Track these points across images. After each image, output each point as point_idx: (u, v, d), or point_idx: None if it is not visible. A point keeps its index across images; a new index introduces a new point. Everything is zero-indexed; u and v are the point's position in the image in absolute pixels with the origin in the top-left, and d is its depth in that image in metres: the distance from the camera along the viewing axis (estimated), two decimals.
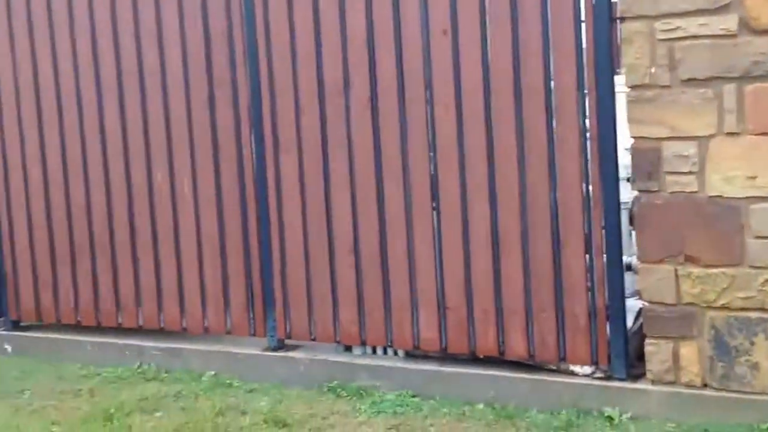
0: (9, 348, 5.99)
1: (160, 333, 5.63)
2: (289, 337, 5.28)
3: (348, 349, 5.18)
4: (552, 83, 4.41)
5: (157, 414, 4.81)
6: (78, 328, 5.88)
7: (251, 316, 5.32)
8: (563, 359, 4.49)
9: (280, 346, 5.28)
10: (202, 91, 5.31)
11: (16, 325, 6.07)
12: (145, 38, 5.42)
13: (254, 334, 5.33)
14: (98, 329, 5.81)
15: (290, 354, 5.22)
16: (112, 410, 4.81)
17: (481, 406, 4.57)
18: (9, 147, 5.90)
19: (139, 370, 5.49)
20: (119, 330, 5.74)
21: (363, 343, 5.09)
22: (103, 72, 5.57)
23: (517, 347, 4.59)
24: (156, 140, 5.48)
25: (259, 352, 5.29)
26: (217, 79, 5.27)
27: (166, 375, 5.40)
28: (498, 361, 4.68)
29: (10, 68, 5.83)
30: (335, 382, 5.00)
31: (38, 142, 5.81)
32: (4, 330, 6.06)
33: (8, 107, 5.87)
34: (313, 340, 5.19)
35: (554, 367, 4.53)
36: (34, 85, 5.78)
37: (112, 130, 5.59)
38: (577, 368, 4.46)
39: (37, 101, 5.78)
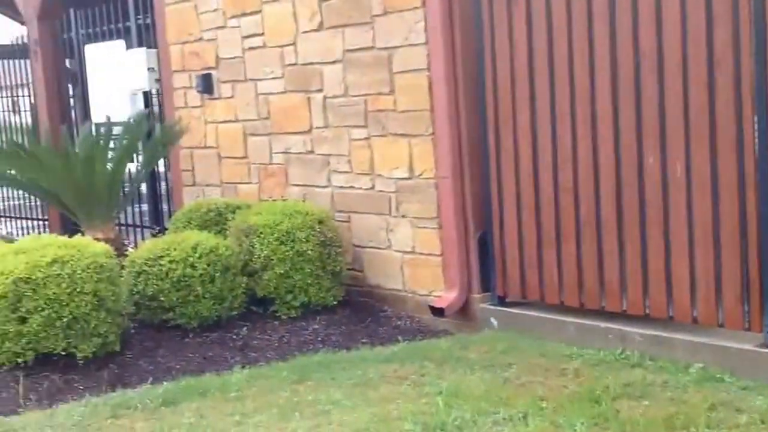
0: (495, 322, 5.75)
1: (644, 319, 5.06)
2: None
3: None
4: None
5: (644, 402, 4.25)
6: (559, 308, 5.49)
7: (746, 309, 4.57)
8: None
9: None
10: (700, 72, 4.64)
11: (501, 301, 5.81)
12: (643, 20, 4.87)
13: (748, 329, 4.58)
14: (579, 311, 5.37)
15: None
16: (598, 392, 4.35)
17: None
18: (503, 130, 5.63)
19: (622, 356, 4.95)
20: (601, 313, 5.25)
21: None
22: (597, 54, 5.09)
23: None
24: (648, 123, 4.90)
25: (754, 348, 4.52)
26: (717, 59, 4.57)
27: (650, 363, 4.81)
28: None
29: (508, 53, 5.55)
30: None
31: (529, 125, 5.48)
32: (491, 305, 5.83)
33: (503, 91, 5.60)
34: None
35: None
36: (528, 70, 5.45)
37: (604, 112, 5.10)
38: None
39: (531, 83, 5.44)
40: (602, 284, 5.19)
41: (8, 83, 11.16)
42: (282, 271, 6.04)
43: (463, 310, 5.89)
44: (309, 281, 6.10)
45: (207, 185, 7.78)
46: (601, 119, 5.11)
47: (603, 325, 5.16)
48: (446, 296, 5.90)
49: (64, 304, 5.21)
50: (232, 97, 7.38)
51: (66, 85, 9.68)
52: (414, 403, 4.43)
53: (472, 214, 5.86)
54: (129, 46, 8.47)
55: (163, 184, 8.84)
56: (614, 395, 4.33)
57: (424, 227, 6.05)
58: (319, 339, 5.85)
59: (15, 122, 11.43)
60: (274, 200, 6.94)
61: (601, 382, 4.51)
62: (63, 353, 5.24)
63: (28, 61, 10.32)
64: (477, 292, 5.90)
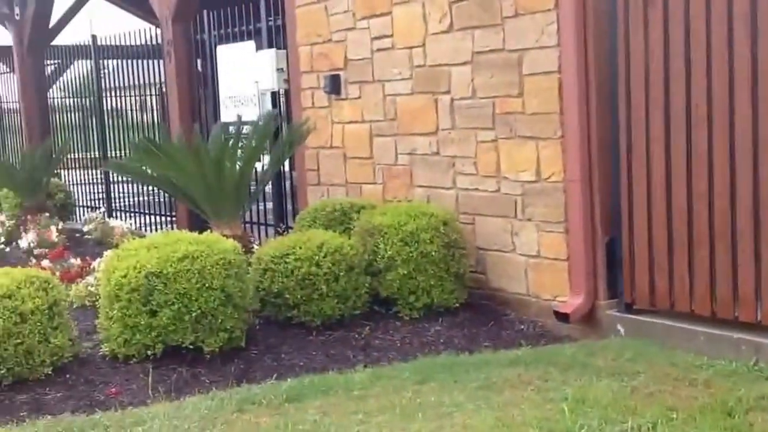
0: (622, 329, 5.66)
1: None
2: None
3: None
4: None
5: None
6: (689, 317, 5.36)
7: None
8: None
9: None
10: None
11: (629, 308, 5.71)
12: None
13: None
14: (710, 320, 5.24)
15: None
16: (731, 404, 4.24)
17: None
18: (635, 133, 5.55)
19: (755, 368, 4.81)
20: (734, 323, 5.12)
21: None
22: (736, 57, 4.97)
23: None
24: None
25: None
26: None
27: None
28: None
29: (642, 55, 5.47)
30: None
31: (662, 129, 5.38)
32: (617, 311, 5.75)
33: (636, 94, 5.51)
34: None
35: None
36: (663, 73, 5.36)
37: (742, 117, 4.97)
38: None
39: (665, 86, 5.34)
40: (736, 293, 5.06)
41: (137, 82, 11.57)
42: (405, 272, 6.10)
43: (589, 317, 5.83)
44: (432, 282, 6.14)
45: (331, 185, 7.90)
46: (739, 124, 4.98)
47: (735, 335, 5.03)
48: (572, 302, 5.85)
49: (194, 298, 5.36)
50: (359, 97, 7.48)
51: (196, 85, 9.97)
52: (538, 409, 4.41)
53: (600, 219, 5.80)
54: (259, 47, 8.68)
55: (287, 182, 9.01)
56: (747, 408, 4.22)
57: (551, 231, 6.01)
58: (441, 341, 5.87)
59: (143, 121, 11.86)
60: (399, 201, 7.01)
61: (733, 394, 4.39)
62: (191, 347, 5.40)
63: (155, 61, 10.70)
64: (603, 299, 5.82)
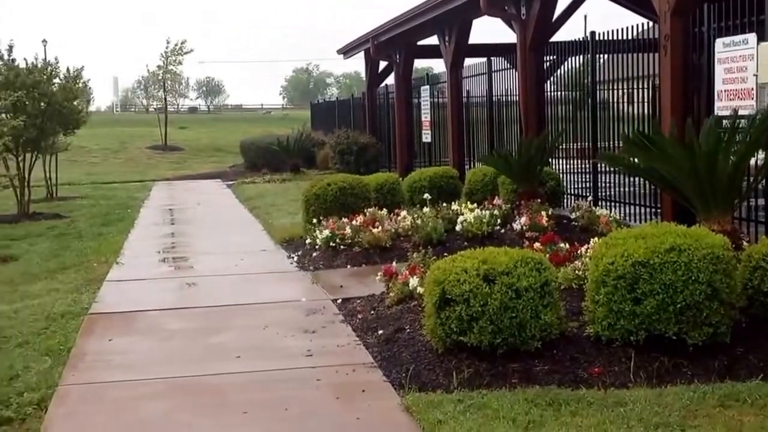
0: None
1: None
2: None
3: None
4: None
5: None
6: None
7: None
8: None
9: None
10: None
11: None
12: None
13: None
14: None
15: None
16: None
17: None
18: None
19: None
20: None
21: None
22: None
23: None
24: None
25: None
26: None
27: None
28: None
29: None
30: None
31: None
32: None
33: None
34: None
35: None
36: None
37: None
38: None
39: None
40: None
41: (627, 75, 11.56)
42: None
43: None
44: None
45: None
46: None
47: None
48: None
49: (678, 290, 5.31)
50: None
51: (690, 79, 9.72)
52: None
53: None
54: (761, 40, 8.24)
55: None
56: None
57: None
58: None
59: (632, 113, 11.84)
60: None
61: None
62: (673, 337, 5.35)
63: (646, 55, 10.62)
64: None
